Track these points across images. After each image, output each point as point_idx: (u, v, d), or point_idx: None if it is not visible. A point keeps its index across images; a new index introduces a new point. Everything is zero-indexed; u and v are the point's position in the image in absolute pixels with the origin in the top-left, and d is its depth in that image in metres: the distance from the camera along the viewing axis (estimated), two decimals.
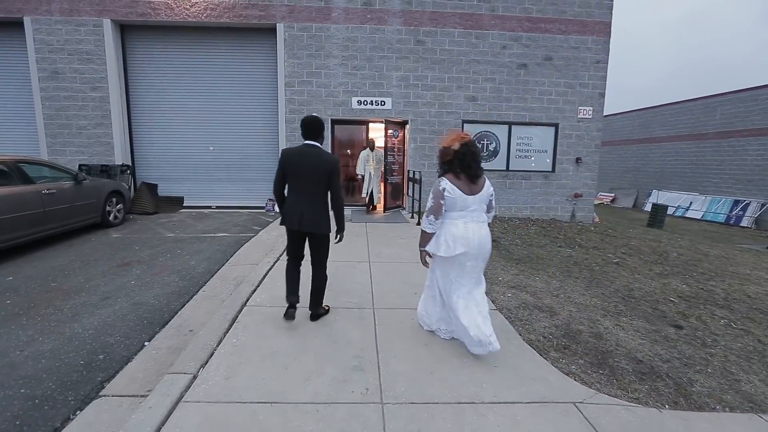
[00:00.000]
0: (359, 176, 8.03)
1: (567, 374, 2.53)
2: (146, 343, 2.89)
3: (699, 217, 15.79)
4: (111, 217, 6.69)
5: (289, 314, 2.87)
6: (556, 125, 8.78)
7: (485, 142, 8.78)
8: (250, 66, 8.60)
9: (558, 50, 8.53)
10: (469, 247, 2.48)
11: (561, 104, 8.71)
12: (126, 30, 8.35)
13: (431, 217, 2.51)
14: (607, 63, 8.65)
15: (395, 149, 8.80)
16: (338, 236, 2.95)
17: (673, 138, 18.14)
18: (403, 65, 8.33)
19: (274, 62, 8.34)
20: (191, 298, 3.74)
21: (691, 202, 16.62)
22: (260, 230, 6.64)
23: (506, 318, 3.29)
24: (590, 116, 8.78)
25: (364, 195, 8.04)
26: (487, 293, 3.01)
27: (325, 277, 2.97)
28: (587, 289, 4.29)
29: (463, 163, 2.45)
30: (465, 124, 8.64)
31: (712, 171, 16.28)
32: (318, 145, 2.84)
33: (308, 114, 3.50)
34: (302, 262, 3.01)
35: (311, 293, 2.97)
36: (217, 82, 8.62)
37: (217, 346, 2.63)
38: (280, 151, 2.94)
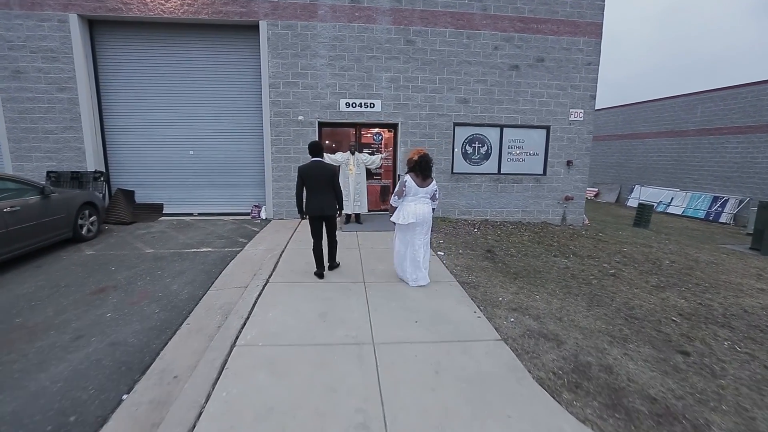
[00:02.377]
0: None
1: (583, 422, 2.39)
2: (124, 397, 2.60)
3: (680, 213, 16.16)
4: (84, 231, 6.24)
5: (319, 275, 4.61)
6: (547, 128, 8.68)
7: (477, 146, 8.62)
8: (232, 66, 8.14)
9: (550, 51, 8.38)
10: (417, 218, 4.24)
11: (553, 106, 8.60)
12: (95, 26, 7.75)
13: (395, 197, 4.35)
14: (599, 65, 8.57)
15: (380, 152, 8.55)
16: (339, 212, 4.64)
17: (656, 134, 18.45)
18: (392, 66, 8.04)
19: (258, 62, 7.92)
20: (174, 333, 3.45)
21: (672, 198, 16.98)
22: (246, 243, 6.32)
23: (513, 351, 3.14)
24: (581, 118, 8.71)
25: (350, 211, 7.44)
26: (489, 318, 3.75)
27: (336, 242, 4.82)
28: (589, 308, 4.19)
29: (418, 168, 4.21)
30: (457, 127, 8.44)
31: (692, 167, 16.64)
32: (322, 159, 4.52)
33: (312, 141, 4.73)
34: (322, 241, 4.62)
35: (329, 252, 4.78)
36: (196, 83, 8.13)
37: (206, 402, 2.38)
38: (297, 169, 4.46)
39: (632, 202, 18.24)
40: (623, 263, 6.13)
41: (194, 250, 5.92)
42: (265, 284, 4.39)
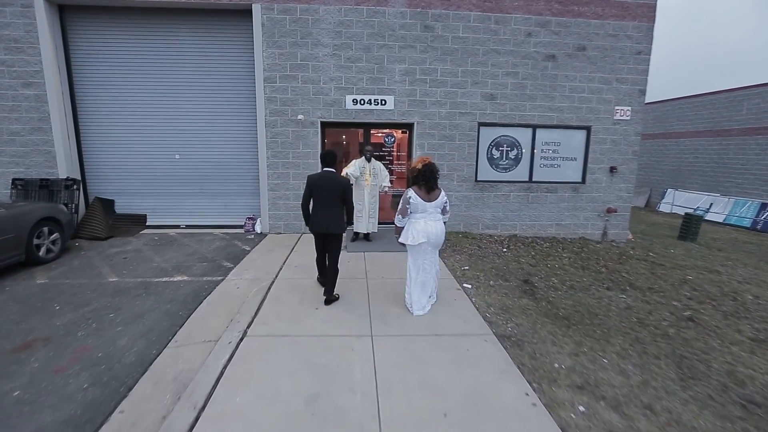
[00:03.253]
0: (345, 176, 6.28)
1: None
2: None
3: (721, 221, 14.62)
4: (42, 252, 5.27)
5: (321, 281, 4.41)
6: (588, 128, 7.43)
7: (505, 149, 7.42)
8: (223, 57, 7.09)
9: (593, 38, 7.12)
10: (428, 237, 3.67)
11: (594, 103, 7.34)
12: (66, 12, 6.78)
13: (399, 216, 3.77)
14: (650, 54, 7.27)
15: (393, 157, 7.43)
16: (349, 224, 4.15)
17: (692, 133, 16.88)
18: (407, 56, 6.88)
19: (251, 53, 6.85)
20: (98, 430, 2.39)
21: (711, 204, 15.42)
22: (231, 269, 5.26)
23: None
24: (628, 117, 7.43)
25: (364, 231, 6.34)
26: (548, 405, 2.64)
27: (337, 271, 4.06)
28: (683, 383, 3.01)
29: (422, 179, 3.64)
30: (482, 128, 7.25)
31: (735, 170, 15.07)
32: (333, 171, 3.98)
33: (326, 149, 4.66)
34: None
35: (327, 281, 4.03)
36: (183, 78, 7.11)
37: None
38: (307, 177, 3.99)
39: (664, 207, 16.71)
40: (696, 299, 4.89)
41: (166, 279, 4.88)
42: (242, 338, 3.31)
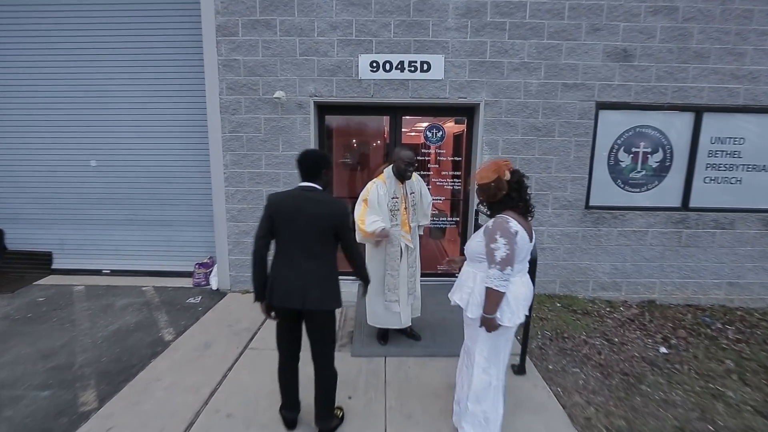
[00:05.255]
0: (375, 236, 2.72)
1: None
2: None
3: None
4: None
5: (289, 423, 2.22)
6: None
7: (640, 150, 4.15)
8: (154, 7, 4.29)
9: None
10: (527, 309, 2.00)
11: None
12: None
13: (509, 269, 1.82)
14: None
15: (434, 168, 4.40)
16: (364, 289, 2.30)
17: None
18: None
19: None
20: None
21: None
22: (111, 398, 2.35)
23: None
24: None
25: (403, 323, 3.08)
26: None
27: (335, 375, 2.15)
28: None
29: (516, 194, 1.90)
30: (602, 113, 4.04)
31: None
32: (318, 188, 2.04)
33: (307, 150, 2.14)
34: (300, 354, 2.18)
35: (316, 402, 2.14)
36: (97, 43, 4.38)
37: None
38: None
39: None
40: None
41: None
42: None
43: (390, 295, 2.97)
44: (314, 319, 2.02)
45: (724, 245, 4.24)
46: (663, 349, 3.33)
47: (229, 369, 2.84)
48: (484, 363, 2.00)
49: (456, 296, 2.08)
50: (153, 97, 4.45)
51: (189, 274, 4.61)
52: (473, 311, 1.97)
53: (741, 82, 3.96)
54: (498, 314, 1.89)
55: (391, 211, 2.85)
